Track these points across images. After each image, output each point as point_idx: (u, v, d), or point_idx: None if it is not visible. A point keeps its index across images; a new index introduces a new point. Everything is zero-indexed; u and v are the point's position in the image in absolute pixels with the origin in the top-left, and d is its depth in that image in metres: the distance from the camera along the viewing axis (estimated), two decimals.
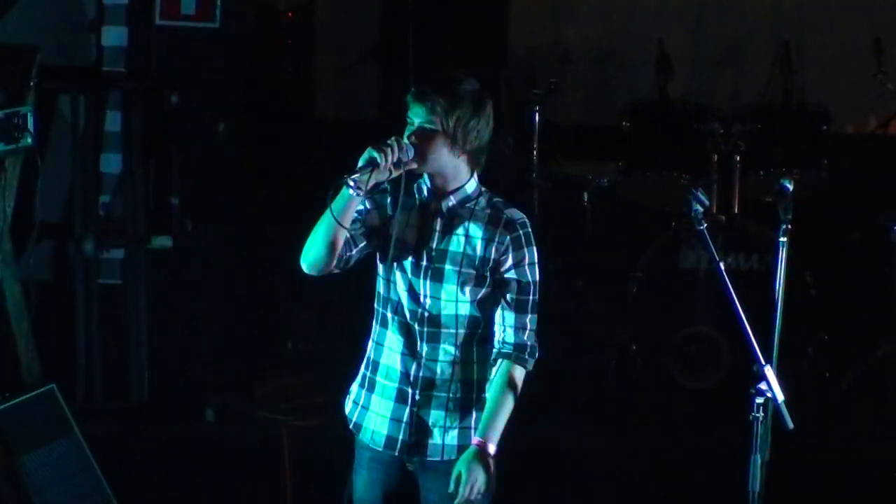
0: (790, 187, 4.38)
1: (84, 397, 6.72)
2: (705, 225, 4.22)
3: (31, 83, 6.19)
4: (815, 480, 6.15)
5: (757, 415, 4.13)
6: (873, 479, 6.21)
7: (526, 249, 4.25)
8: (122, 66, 6.97)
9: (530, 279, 4.26)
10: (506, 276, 4.23)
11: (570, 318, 7.64)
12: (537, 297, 4.28)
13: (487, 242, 4.23)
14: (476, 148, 4.20)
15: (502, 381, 4.25)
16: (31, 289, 6.41)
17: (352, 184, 4.04)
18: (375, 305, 4.35)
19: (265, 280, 7.46)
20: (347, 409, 4.44)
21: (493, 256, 4.22)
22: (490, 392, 4.27)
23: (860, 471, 6.26)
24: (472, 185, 4.26)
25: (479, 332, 4.28)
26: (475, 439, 4.23)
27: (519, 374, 4.27)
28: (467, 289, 4.23)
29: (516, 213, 4.28)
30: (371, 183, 4.08)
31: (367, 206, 4.21)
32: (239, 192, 7.32)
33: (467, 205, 4.25)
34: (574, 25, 9.08)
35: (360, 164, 4.07)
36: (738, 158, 7.14)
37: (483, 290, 4.24)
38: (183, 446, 6.44)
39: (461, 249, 4.22)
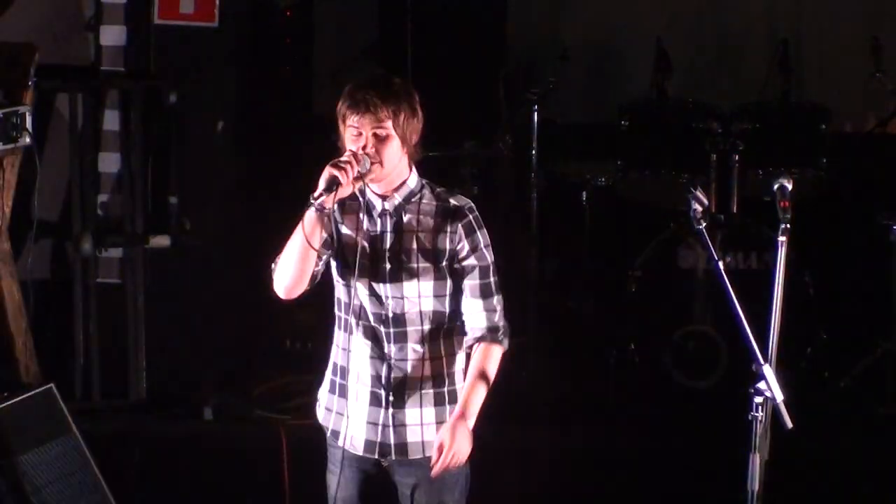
0: (789, 186, 4.38)
1: (82, 396, 6.73)
2: (704, 224, 4.21)
3: (30, 82, 6.19)
4: (813, 480, 6.15)
5: (756, 414, 4.13)
6: (872, 479, 6.20)
7: (479, 233, 4.29)
8: (121, 65, 6.97)
9: (488, 261, 4.30)
10: (465, 263, 4.27)
11: (568, 317, 7.64)
12: (497, 277, 4.32)
13: (440, 234, 4.25)
14: (416, 142, 4.24)
15: (480, 360, 4.28)
16: (30, 288, 6.41)
17: (317, 206, 4.07)
18: (337, 312, 4.34)
19: (263, 279, 7.44)
20: (321, 417, 4.44)
21: (447, 247, 4.25)
22: (469, 371, 4.29)
23: (859, 471, 6.26)
24: (413, 180, 4.28)
25: (444, 325, 4.31)
26: (455, 412, 4.24)
27: (496, 353, 4.31)
28: (428, 284, 4.24)
29: (462, 200, 4.32)
30: (334, 200, 4.10)
31: None
32: (237, 191, 7.31)
33: (413, 199, 4.27)
34: (572, 24, 9.07)
35: (321, 184, 4.09)
36: (736, 157, 7.14)
37: (443, 283, 4.26)
38: (181, 445, 6.44)
39: (415, 245, 4.24)
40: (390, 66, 8.71)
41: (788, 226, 4.32)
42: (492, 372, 4.29)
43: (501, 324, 4.33)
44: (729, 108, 7.64)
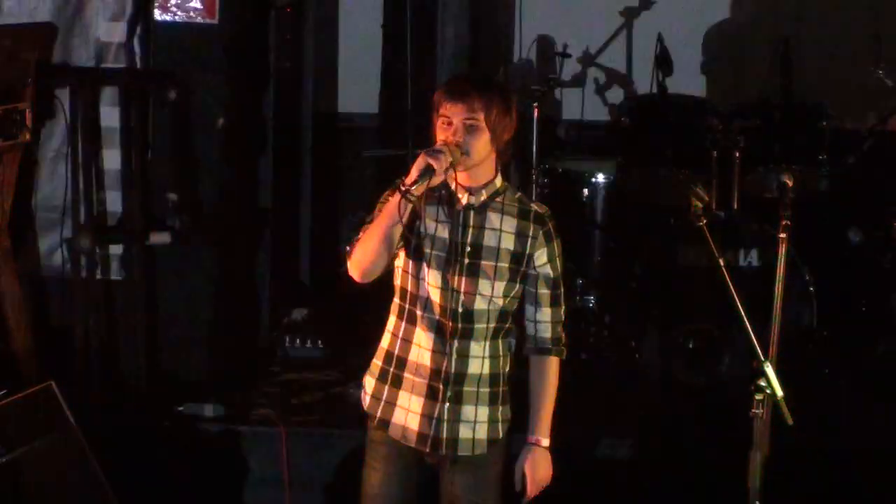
0: (789, 183, 4.38)
1: (82, 393, 6.71)
2: (704, 221, 4.22)
3: (29, 79, 6.18)
4: (814, 477, 6.14)
5: (756, 411, 4.13)
6: (872, 475, 6.20)
7: (555, 242, 4.34)
8: (121, 61, 6.96)
9: (560, 272, 4.33)
10: (540, 271, 4.29)
11: (568, 314, 7.62)
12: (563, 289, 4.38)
13: (520, 236, 4.27)
14: (506, 141, 4.23)
15: (547, 376, 4.39)
16: (29, 285, 6.40)
17: (409, 193, 4.05)
18: (399, 301, 4.32)
19: (264, 276, 7.45)
20: (366, 405, 4.41)
21: (527, 251, 4.26)
22: (535, 388, 4.35)
23: (859, 467, 6.26)
24: (499, 179, 4.29)
25: (505, 325, 4.32)
26: (530, 437, 4.36)
27: (558, 366, 4.41)
28: (502, 283, 4.25)
29: (542, 207, 4.35)
30: (426, 188, 4.09)
31: None
32: (237, 189, 7.30)
33: (497, 199, 4.27)
34: (573, 21, 9.07)
35: (414, 172, 4.07)
36: (737, 154, 7.14)
37: (514, 285, 4.27)
38: (181, 443, 6.43)
39: (496, 244, 4.24)
40: (391, 62, 8.73)
41: (789, 223, 4.32)
42: (556, 387, 4.39)
43: (564, 335, 4.38)
44: (730, 106, 7.64)
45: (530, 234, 4.26)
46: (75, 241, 6.70)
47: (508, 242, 4.25)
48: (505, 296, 4.27)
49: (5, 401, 5.58)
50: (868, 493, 6.13)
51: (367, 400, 4.40)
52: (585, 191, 7.78)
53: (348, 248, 4.24)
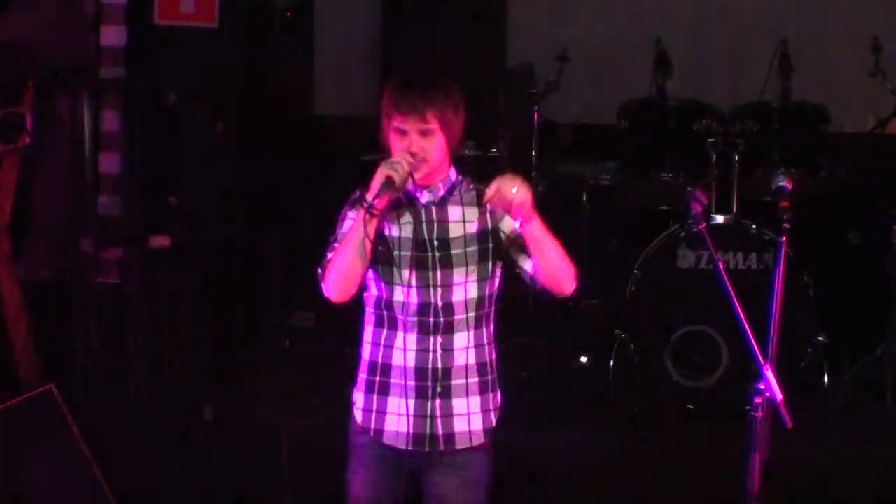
0: (788, 186, 4.38)
1: (82, 397, 6.72)
2: (704, 225, 4.22)
3: (29, 82, 6.19)
4: (813, 480, 6.15)
5: (755, 414, 4.13)
6: (871, 479, 6.21)
7: None
8: (121, 65, 6.97)
9: None
10: (516, 227, 4.25)
11: (567, 317, 7.63)
12: None
13: (482, 216, 4.28)
14: (458, 137, 4.27)
15: None
16: (30, 288, 6.41)
17: (373, 208, 4.07)
18: (373, 310, 4.34)
19: (263, 279, 7.45)
20: (360, 420, 4.41)
21: (489, 226, 4.28)
22: None
23: (858, 471, 6.26)
24: (453, 172, 4.32)
25: (485, 311, 4.34)
26: None
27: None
28: (475, 268, 4.27)
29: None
30: (389, 200, 4.11)
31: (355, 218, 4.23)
32: (237, 191, 7.31)
33: (454, 191, 4.30)
34: (572, 24, 9.08)
35: (375, 186, 4.09)
36: (736, 158, 7.14)
37: (487, 266, 4.29)
38: (181, 446, 6.44)
39: (462, 233, 4.28)
40: (390, 67, 8.73)
41: (788, 226, 4.33)
42: (556, 245, 4.23)
43: None
44: (729, 109, 7.65)
45: (488, 208, 4.29)
46: (75, 244, 6.72)
47: (472, 228, 4.29)
48: (481, 279, 4.29)
49: (6, 404, 5.59)
50: (867, 497, 6.14)
51: (359, 415, 4.41)
52: (584, 194, 7.79)
53: (320, 270, 4.25)
